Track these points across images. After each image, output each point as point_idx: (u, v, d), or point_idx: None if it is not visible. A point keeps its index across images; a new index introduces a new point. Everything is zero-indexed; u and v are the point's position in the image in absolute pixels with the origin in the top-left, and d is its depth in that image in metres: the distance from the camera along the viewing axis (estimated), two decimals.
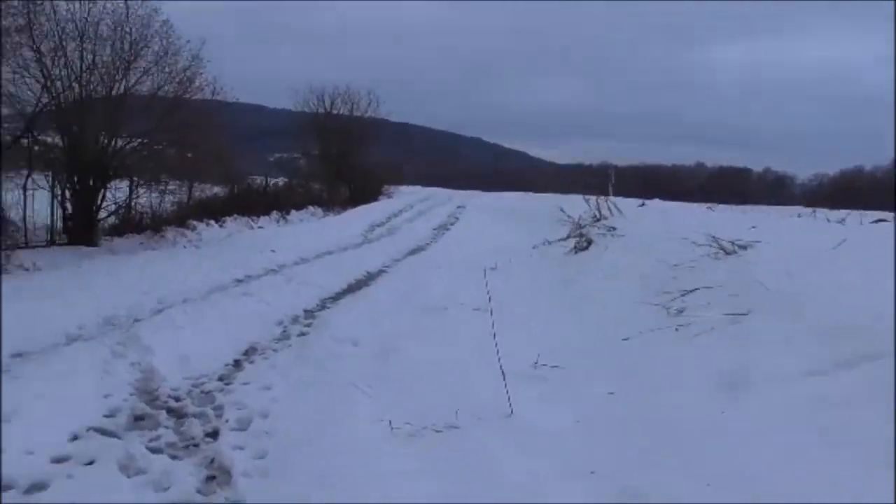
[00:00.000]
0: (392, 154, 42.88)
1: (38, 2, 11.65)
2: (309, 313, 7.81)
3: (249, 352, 6.12)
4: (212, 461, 3.82)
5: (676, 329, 5.80)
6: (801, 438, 3.49)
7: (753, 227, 9.83)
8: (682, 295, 6.68)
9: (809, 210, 18.59)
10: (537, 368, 5.25)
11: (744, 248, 7.74)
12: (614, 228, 12.38)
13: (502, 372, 4.33)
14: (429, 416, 4.19)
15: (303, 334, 6.89)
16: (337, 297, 8.87)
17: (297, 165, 34.93)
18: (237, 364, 5.76)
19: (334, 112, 33.17)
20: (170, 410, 4.64)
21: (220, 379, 5.35)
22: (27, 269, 9.38)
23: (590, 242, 12.03)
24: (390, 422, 3.99)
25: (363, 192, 30.12)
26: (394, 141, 40.91)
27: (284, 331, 6.97)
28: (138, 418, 4.47)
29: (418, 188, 44.65)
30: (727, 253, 7.79)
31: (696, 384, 4.47)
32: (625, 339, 5.93)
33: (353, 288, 9.64)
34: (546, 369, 5.23)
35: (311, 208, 22.70)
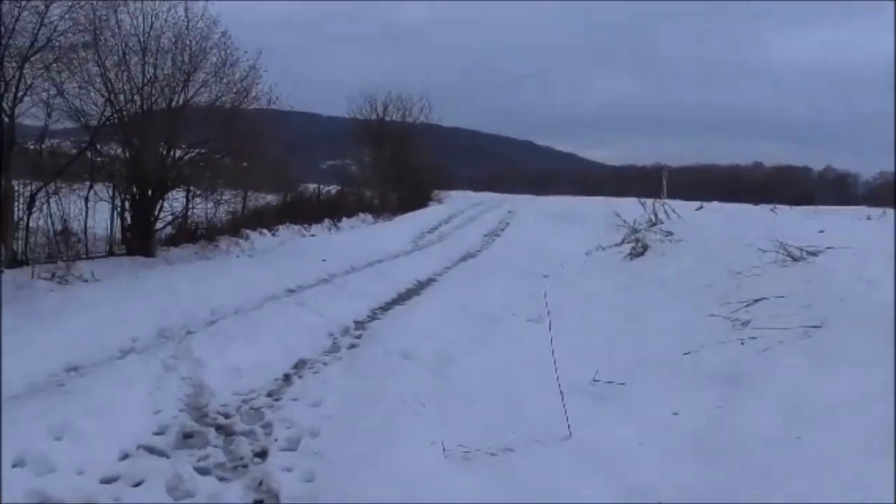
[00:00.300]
0: (442, 159, 42.86)
1: (105, 18, 11.97)
2: (359, 324, 7.73)
3: (299, 365, 6.05)
4: (260, 484, 3.73)
5: (742, 343, 5.48)
6: (880, 473, 3.18)
7: (821, 231, 9.34)
8: (748, 305, 6.34)
9: (879, 211, 17.68)
10: (595, 385, 5.01)
11: (813, 254, 7.33)
12: (672, 233, 11.98)
13: (560, 391, 4.11)
14: (483, 437, 4.01)
15: (353, 346, 6.79)
16: (387, 307, 8.77)
17: (349, 172, 35.27)
18: (287, 378, 5.69)
19: (387, 119, 33.37)
20: (219, 428, 4.58)
21: (270, 394, 5.28)
22: (86, 280, 9.58)
23: (646, 248, 11.68)
24: (443, 444, 3.81)
25: (414, 198, 30.14)
26: (444, 146, 40.92)
27: (335, 343, 6.89)
28: (187, 436, 4.42)
29: (469, 193, 44.58)
30: (795, 259, 7.39)
31: (767, 405, 4.17)
32: (686, 354, 5.63)
33: (403, 297, 9.53)
34: (604, 385, 4.98)
35: (361, 215, 22.79)
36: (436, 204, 32.14)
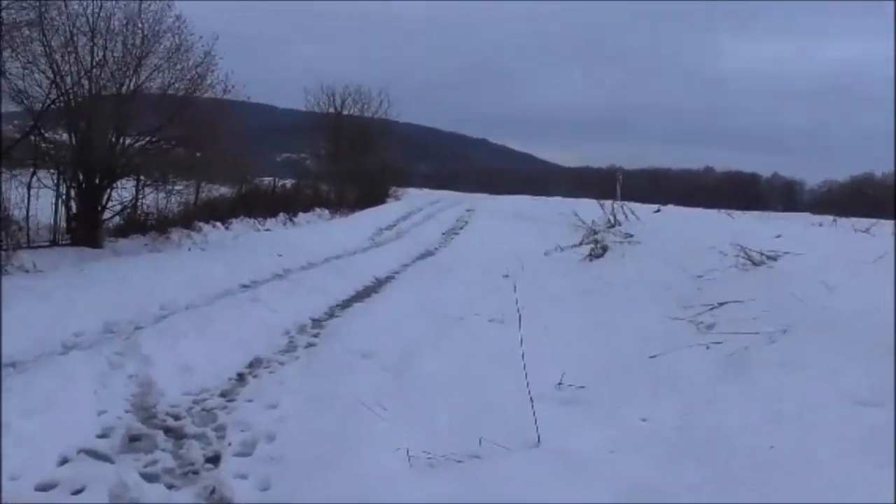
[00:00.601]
0: (399, 155, 42.55)
1: None
2: (316, 322, 7.51)
3: (254, 364, 5.82)
4: (212, 492, 3.51)
5: (708, 347, 5.44)
6: (856, 478, 3.15)
7: (778, 236, 9.47)
8: (711, 309, 6.33)
9: (829, 218, 18.20)
10: (561, 389, 4.90)
11: (773, 258, 7.39)
12: (631, 235, 12.02)
13: (530, 397, 3.99)
14: (448, 443, 3.85)
15: (311, 345, 6.58)
16: (345, 305, 8.56)
17: (304, 166, 34.72)
18: (241, 378, 5.46)
19: (345, 112, 32.96)
20: (168, 430, 4.33)
21: (223, 395, 5.04)
22: (27, 271, 9.09)
23: (605, 249, 11.68)
24: (408, 451, 3.65)
25: (371, 194, 29.82)
26: (400, 142, 40.55)
27: (291, 341, 6.67)
28: (134, 439, 4.17)
29: (426, 191, 44.44)
30: (755, 264, 7.45)
31: (737, 411, 4.12)
32: (652, 357, 5.57)
33: (361, 295, 9.33)
34: (571, 390, 4.89)
35: (318, 210, 22.41)
36: (394, 201, 31.89)
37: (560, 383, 4.95)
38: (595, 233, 13.23)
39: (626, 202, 17.81)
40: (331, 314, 7.96)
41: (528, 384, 4.14)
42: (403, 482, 3.44)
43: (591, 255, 11.76)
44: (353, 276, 10.32)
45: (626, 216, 14.26)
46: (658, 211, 17.41)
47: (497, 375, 5.23)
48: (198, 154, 14.24)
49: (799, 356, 4.72)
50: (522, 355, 4.36)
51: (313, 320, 7.54)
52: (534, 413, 3.91)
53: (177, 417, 4.54)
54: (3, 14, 10.65)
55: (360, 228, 17.48)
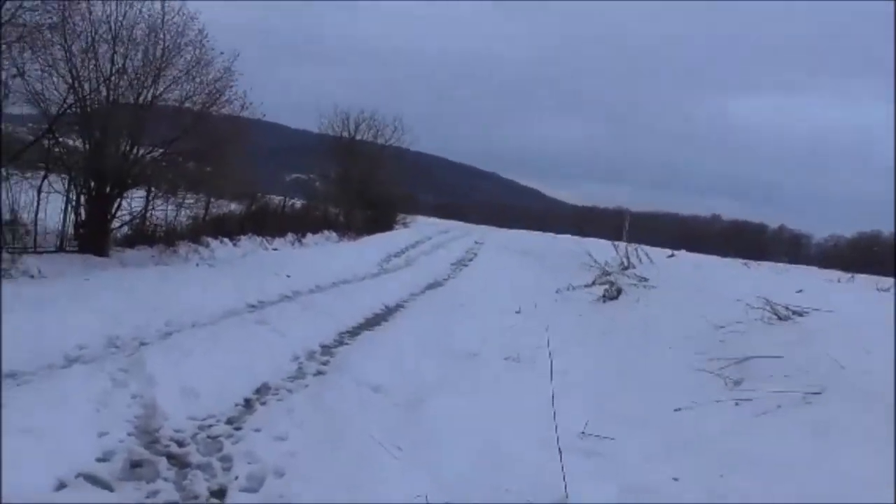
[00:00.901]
0: (407, 183, 42.52)
1: (76, 0, 11.38)
2: (326, 349, 7.27)
3: (262, 390, 5.58)
4: None
5: (737, 403, 5.22)
6: None
7: (800, 291, 9.25)
8: (738, 362, 6.10)
9: (846, 275, 17.99)
10: (584, 438, 4.67)
11: (799, 314, 7.18)
12: (646, 279, 11.82)
13: (559, 447, 3.75)
14: (466, 492, 3.62)
15: (320, 373, 6.34)
16: (354, 332, 8.33)
17: (314, 187, 34.68)
18: (248, 404, 5.22)
19: (358, 137, 32.98)
20: (171, 457, 4.09)
21: (230, 422, 4.80)
22: (32, 276, 8.90)
23: (619, 292, 11.49)
24: (427, 497, 3.41)
25: (380, 219, 29.69)
26: (408, 170, 40.52)
27: (300, 368, 6.43)
28: (135, 465, 3.92)
29: (434, 220, 44.36)
30: (781, 318, 7.23)
31: (772, 481, 3.88)
32: (677, 410, 5.34)
33: (371, 323, 9.10)
34: (595, 440, 4.65)
35: (326, 232, 22.24)
36: (402, 228, 31.74)
37: (584, 432, 4.71)
38: (608, 274, 13.04)
39: (637, 245, 17.64)
40: (340, 341, 7.73)
41: (557, 431, 3.89)
42: None
43: (604, 296, 11.56)
44: (361, 303, 10.10)
45: (640, 259, 14.08)
46: (672, 256, 17.22)
47: (515, 419, 5.01)
48: (208, 169, 14.14)
49: (835, 420, 4.50)
50: (552, 400, 4.13)
51: (322, 346, 7.31)
52: (562, 465, 3.67)
53: (181, 444, 4.30)
54: (27, 15, 10.63)
55: (368, 253, 17.28)
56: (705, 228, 77.66)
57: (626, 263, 13.71)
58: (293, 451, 4.27)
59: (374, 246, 19.67)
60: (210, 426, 4.67)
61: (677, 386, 5.93)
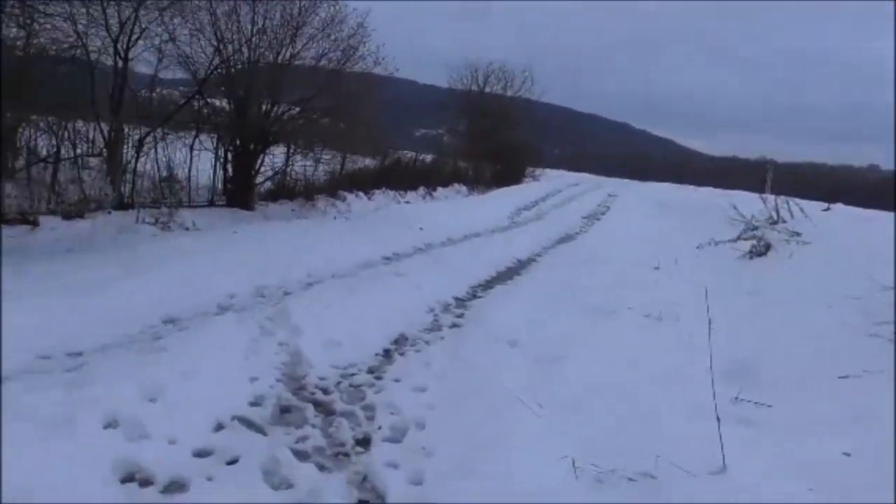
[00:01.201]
0: (536, 135, 41.73)
1: None
2: (460, 301, 7.27)
3: (400, 341, 5.65)
4: (363, 479, 3.32)
5: None
6: None
7: None
8: None
9: None
10: (737, 404, 4.34)
11: None
12: (799, 234, 10.90)
13: (717, 415, 3.48)
14: (615, 457, 3.45)
15: (455, 325, 6.35)
16: (487, 286, 8.28)
17: (442, 142, 34.83)
18: (387, 355, 5.30)
19: (487, 90, 32.62)
20: (317, 404, 4.22)
21: (370, 371, 4.90)
22: (187, 228, 9.53)
23: (768, 247, 10.66)
24: (573, 461, 3.28)
25: (508, 173, 29.41)
26: (537, 122, 39.64)
27: (435, 319, 6.46)
28: (284, 410, 4.08)
29: (564, 172, 43.37)
30: None
31: None
32: (842, 378, 4.86)
33: (503, 277, 9.01)
34: (749, 406, 4.32)
35: (456, 186, 22.33)
36: (531, 181, 31.29)
37: (737, 397, 4.38)
38: (755, 228, 12.14)
39: (788, 198, 16.32)
40: (473, 294, 7.71)
41: (714, 398, 3.62)
42: (570, 496, 3.09)
43: (751, 252, 10.78)
44: (493, 256, 10.03)
45: (791, 213, 13.00)
46: (827, 209, 15.80)
47: (660, 381, 4.75)
48: (342, 125, 14.46)
49: None
50: (711, 365, 3.84)
51: (456, 299, 7.32)
52: (720, 434, 3.40)
53: (326, 391, 4.43)
54: None
55: (498, 207, 17.16)
56: (860, 180, 70.81)
57: (775, 217, 12.70)
58: (432, 404, 4.29)
59: (504, 199, 19.52)
60: (352, 375, 4.78)
61: (841, 350, 5.40)
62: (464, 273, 8.58)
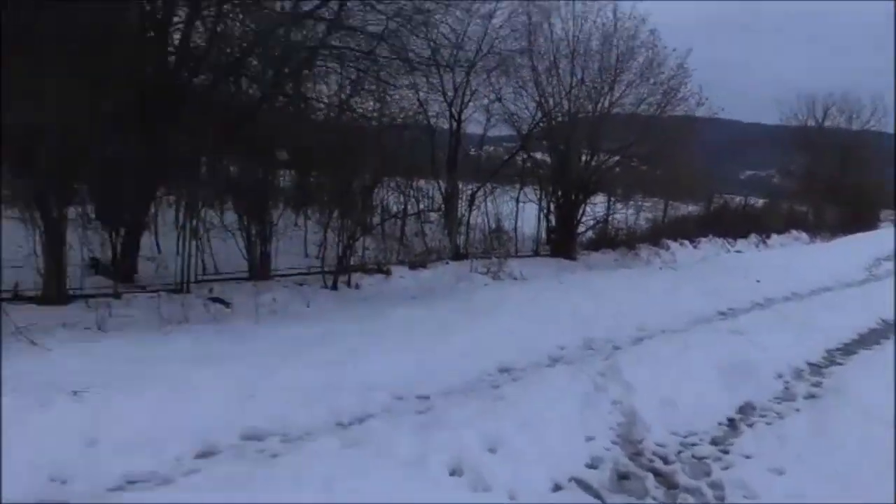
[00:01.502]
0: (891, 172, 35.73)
1: (539, 23, 12.51)
2: (814, 367, 6.31)
3: (745, 409, 5.04)
4: None
5: None
6: None
7: None
8: None
9: None
10: None
11: None
12: None
13: None
14: None
15: (812, 396, 5.49)
16: (847, 350, 7.10)
17: (772, 184, 31.86)
18: (732, 424, 4.75)
19: (827, 124, 29.10)
20: (657, 474, 3.89)
21: (714, 442, 4.41)
22: (515, 278, 9.92)
23: None
24: None
25: (857, 217, 25.58)
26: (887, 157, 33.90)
27: (786, 387, 5.66)
28: (622, 476, 3.83)
29: None
30: None
31: None
32: None
33: (866, 340, 7.66)
34: None
35: (794, 232, 20.08)
36: (889, 225, 26.81)
37: None
38: None
39: None
40: (831, 359, 6.64)
41: None
42: None
43: None
44: (851, 314, 8.60)
45: None
46: None
47: None
48: (658, 172, 13.97)
49: None
50: None
51: (809, 364, 6.36)
52: None
53: (665, 460, 4.08)
54: (502, 45, 12.04)
55: (850, 256, 14.89)
56: None
57: None
58: (797, 493, 3.65)
59: (856, 247, 16.92)
60: (693, 444, 4.34)
61: None
62: (816, 333, 7.46)
